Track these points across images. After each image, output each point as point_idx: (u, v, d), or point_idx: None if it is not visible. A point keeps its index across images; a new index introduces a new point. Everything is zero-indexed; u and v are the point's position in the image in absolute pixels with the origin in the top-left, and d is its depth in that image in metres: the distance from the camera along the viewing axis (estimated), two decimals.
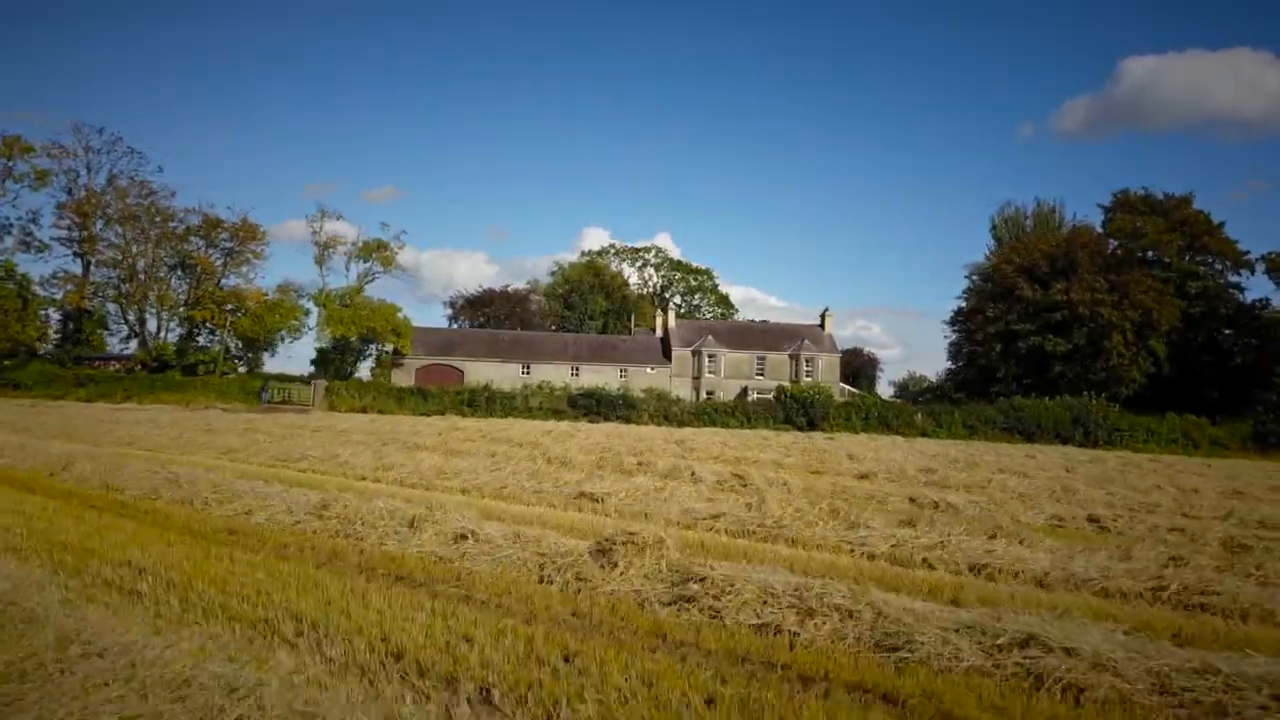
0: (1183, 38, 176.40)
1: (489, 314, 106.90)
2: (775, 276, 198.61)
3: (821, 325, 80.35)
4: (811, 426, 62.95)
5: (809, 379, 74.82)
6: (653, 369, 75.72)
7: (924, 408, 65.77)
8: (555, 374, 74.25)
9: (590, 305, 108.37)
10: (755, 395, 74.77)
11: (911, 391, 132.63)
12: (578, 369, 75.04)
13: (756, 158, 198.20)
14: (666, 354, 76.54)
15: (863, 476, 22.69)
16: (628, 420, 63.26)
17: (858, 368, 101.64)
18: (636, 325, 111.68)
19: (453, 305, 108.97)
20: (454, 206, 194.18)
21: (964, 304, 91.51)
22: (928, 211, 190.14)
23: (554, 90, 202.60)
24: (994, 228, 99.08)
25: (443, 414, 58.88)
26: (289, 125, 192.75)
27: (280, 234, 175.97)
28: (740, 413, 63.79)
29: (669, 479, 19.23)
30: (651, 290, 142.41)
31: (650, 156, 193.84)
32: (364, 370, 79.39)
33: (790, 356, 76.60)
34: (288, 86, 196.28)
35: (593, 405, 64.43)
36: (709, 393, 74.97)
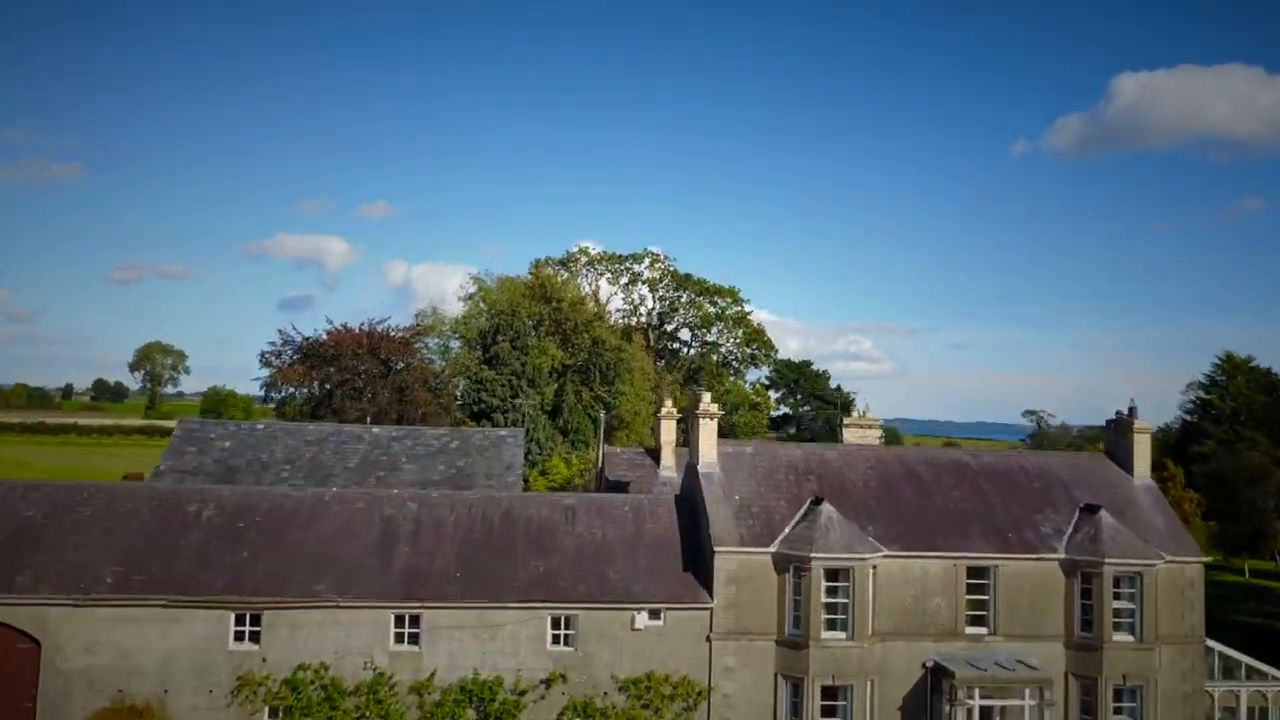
0: (1175, 54, 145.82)
1: (337, 380, 55.52)
2: (766, 290, 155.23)
3: (1119, 459, 29.18)
4: None
5: (1126, 632, 24.09)
6: (658, 615, 24.55)
7: None
8: (354, 640, 23.33)
9: (532, 362, 57.04)
10: (975, 702, 23.95)
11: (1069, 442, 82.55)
12: (416, 622, 23.85)
13: (751, 171, 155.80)
14: (695, 562, 25.42)
15: None
16: None
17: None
18: (621, 427, 60.09)
19: (270, 361, 57.51)
20: (447, 220, 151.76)
21: None
22: (922, 227, 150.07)
23: (548, 101, 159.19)
24: None
25: None
26: (280, 137, 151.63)
27: (272, 248, 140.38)
28: None
29: None
30: (646, 320, 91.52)
31: (644, 171, 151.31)
32: None
33: (1068, 569, 25.46)
34: (279, 98, 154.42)
35: None
36: (831, 688, 23.95)
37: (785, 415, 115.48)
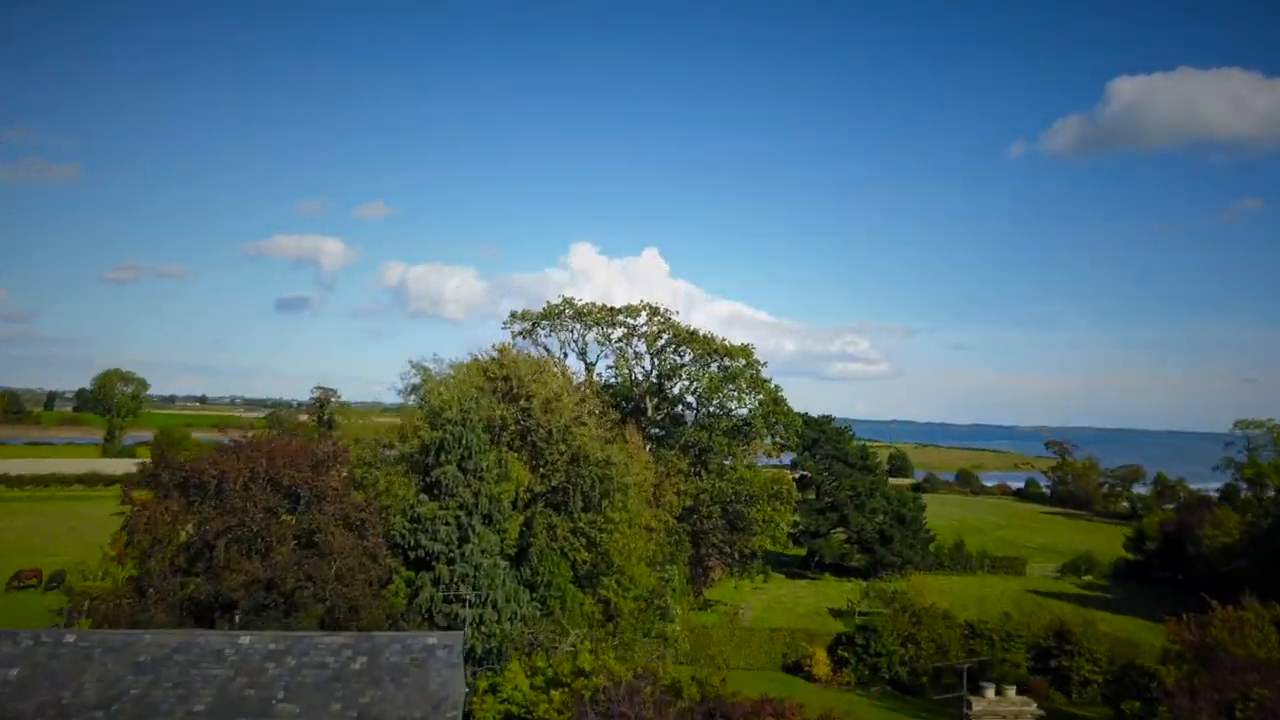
0: (1173, 57, 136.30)
1: (219, 526, 40.55)
2: (764, 291, 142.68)
3: None
4: None
5: None
6: None
7: None
8: None
9: (488, 490, 42.18)
10: None
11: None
12: None
13: (748, 172, 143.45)
14: None
15: None
16: None
17: None
18: (610, 573, 44.68)
19: (128, 495, 42.57)
20: (445, 222, 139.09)
21: None
22: (920, 228, 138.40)
23: (546, 103, 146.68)
24: None
25: None
26: (279, 138, 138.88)
27: (269, 249, 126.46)
28: None
29: None
30: (643, 382, 76.86)
31: (639, 171, 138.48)
32: None
33: None
34: (277, 99, 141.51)
35: None
36: None
37: (803, 478, 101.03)
